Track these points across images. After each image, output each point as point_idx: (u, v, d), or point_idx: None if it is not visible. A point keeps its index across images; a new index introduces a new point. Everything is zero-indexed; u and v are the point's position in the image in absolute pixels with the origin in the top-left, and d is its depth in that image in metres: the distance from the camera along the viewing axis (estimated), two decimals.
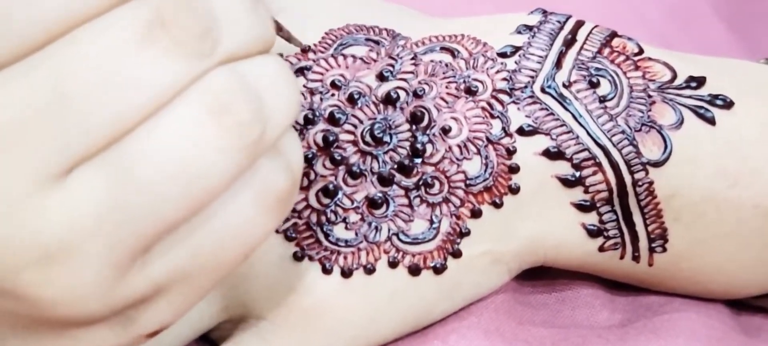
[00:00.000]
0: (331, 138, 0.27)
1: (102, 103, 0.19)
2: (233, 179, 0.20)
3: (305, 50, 0.29)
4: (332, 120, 0.28)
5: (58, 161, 0.19)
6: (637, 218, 0.28)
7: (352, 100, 0.28)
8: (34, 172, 0.19)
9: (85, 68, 0.19)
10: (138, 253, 0.20)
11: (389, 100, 0.28)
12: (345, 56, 0.29)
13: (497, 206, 0.28)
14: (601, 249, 0.29)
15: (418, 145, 0.27)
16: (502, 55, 0.29)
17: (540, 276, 0.31)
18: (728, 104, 0.29)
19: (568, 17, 0.30)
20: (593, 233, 0.28)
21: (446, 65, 0.29)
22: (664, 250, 0.29)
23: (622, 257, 0.29)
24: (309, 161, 0.27)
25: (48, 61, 0.19)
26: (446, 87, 0.28)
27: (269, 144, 0.21)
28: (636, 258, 0.29)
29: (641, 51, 0.29)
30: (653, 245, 0.29)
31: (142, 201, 0.19)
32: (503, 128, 0.28)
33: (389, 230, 0.27)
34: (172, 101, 0.19)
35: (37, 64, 0.19)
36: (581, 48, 0.29)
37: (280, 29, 0.27)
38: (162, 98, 0.19)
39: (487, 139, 0.28)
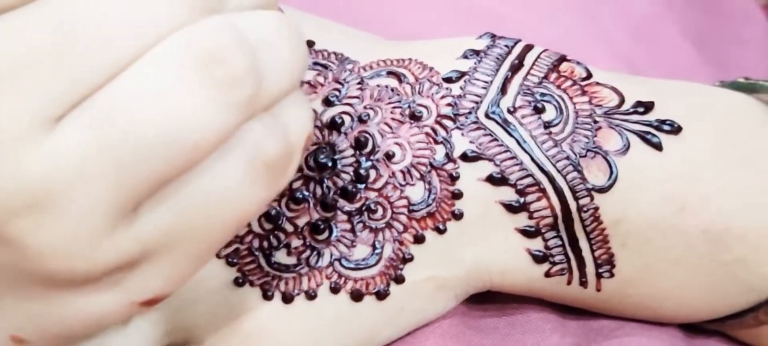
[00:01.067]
0: None
1: (100, 48, 0.19)
2: (221, 138, 0.19)
3: None
4: None
5: (53, 106, 0.19)
6: (584, 244, 0.28)
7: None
8: (28, 115, 0.19)
9: (87, 12, 0.19)
10: (124, 207, 0.20)
11: (334, 126, 0.28)
12: None
13: (440, 231, 0.28)
14: (548, 275, 0.29)
15: (362, 171, 0.27)
16: (448, 80, 0.29)
17: (491, 300, 0.31)
18: (676, 130, 0.29)
19: (517, 42, 0.30)
20: (539, 258, 0.28)
21: (392, 90, 0.29)
22: (612, 275, 0.29)
23: (569, 283, 0.29)
24: None
25: (51, 5, 0.19)
26: (391, 112, 0.28)
27: (264, 105, 0.20)
28: (583, 283, 0.29)
29: (589, 75, 0.29)
30: (600, 270, 0.29)
31: (126, 151, 0.19)
32: (446, 154, 0.28)
33: (331, 256, 0.27)
34: (159, 48, 0.19)
35: (40, 9, 0.19)
36: (527, 73, 0.29)
37: None
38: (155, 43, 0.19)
39: (431, 164, 0.28)
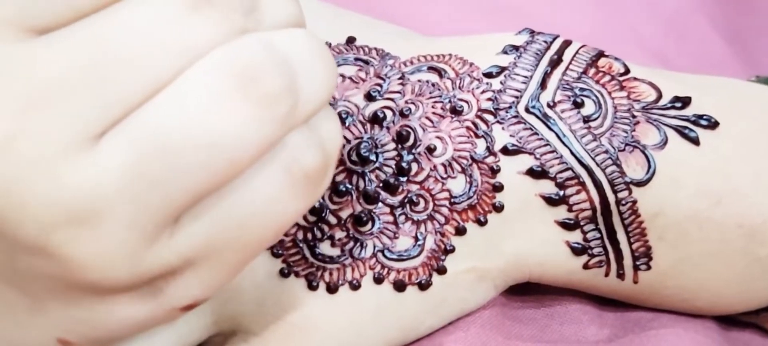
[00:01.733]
0: None
1: (142, 67, 0.19)
2: (260, 152, 0.20)
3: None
4: None
5: (95, 124, 0.19)
6: (622, 236, 0.29)
7: (340, 119, 0.28)
8: (72, 132, 0.19)
9: (130, 33, 0.19)
10: (164, 221, 0.20)
11: (376, 120, 0.28)
12: None
13: (481, 223, 0.28)
14: (586, 266, 0.29)
15: (404, 164, 0.28)
16: (488, 75, 0.29)
17: (529, 291, 0.31)
18: (713, 124, 0.29)
19: (555, 37, 0.30)
20: (577, 250, 0.29)
21: (433, 85, 0.29)
22: (649, 268, 0.29)
23: (606, 275, 0.29)
24: None
25: (95, 25, 0.19)
26: (432, 107, 0.29)
27: (301, 119, 0.20)
28: (621, 276, 0.29)
29: (627, 71, 0.30)
30: (638, 262, 0.29)
31: (166, 168, 0.19)
32: (487, 147, 0.28)
33: (374, 247, 0.28)
34: (199, 67, 0.19)
35: (82, 28, 0.19)
36: (566, 68, 0.29)
37: None
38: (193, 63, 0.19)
39: (472, 158, 0.28)
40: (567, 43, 0.30)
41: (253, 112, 0.19)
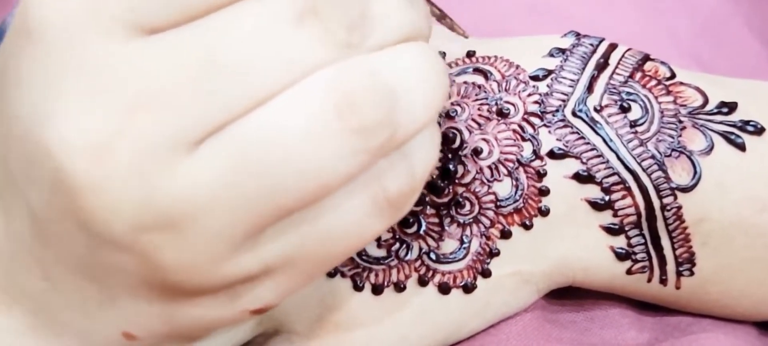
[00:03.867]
0: None
1: (247, 78, 0.19)
2: (350, 178, 0.20)
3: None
4: None
5: (195, 130, 0.19)
6: (665, 242, 0.29)
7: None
8: (172, 137, 0.19)
9: (237, 42, 0.19)
10: (251, 232, 0.20)
11: None
12: None
13: (527, 227, 0.28)
14: (629, 272, 0.29)
15: (450, 166, 0.28)
16: (535, 78, 0.29)
17: (569, 295, 0.31)
18: (759, 130, 0.29)
19: (601, 40, 0.30)
20: (621, 255, 0.29)
21: (479, 87, 0.29)
22: (692, 273, 0.29)
23: (649, 280, 0.29)
24: None
25: (203, 30, 0.19)
26: (478, 109, 0.29)
27: (396, 146, 0.21)
28: (663, 281, 0.29)
29: (673, 75, 0.30)
30: (681, 268, 0.29)
31: (260, 183, 0.19)
32: (534, 151, 0.28)
33: (420, 249, 0.28)
34: (302, 88, 0.19)
35: (193, 32, 0.19)
36: (613, 72, 0.29)
37: (443, 17, 0.27)
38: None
39: (518, 161, 0.28)
40: (613, 47, 0.30)
41: (349, 141, 0.20)
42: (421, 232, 0.28)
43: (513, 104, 0.29)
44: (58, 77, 0.19)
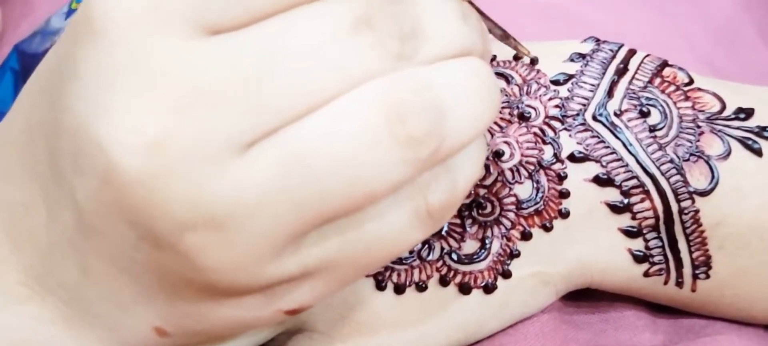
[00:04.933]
0: None
1: (302, 84, 0.19)
2: (395, 188, 0.21)
3: (534, 62, 0.30)
4: None
5: (247, 133, 0.19)
6: (682, 245, 0.29)
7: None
8: (224, 138, 0.19)
9: (294, 49, 0.19)
10: (295, 236, 0.21)
11: None
12: None
13: (547, 229, 0.28)
14: (646, 274, 0.29)
15: None
16: (555, 82, 0.29)
17: (584, 296, 0.32)
18: None
19: (621, 46, 0.30)
20: (639, 258, 0.29)
21: (500, 91, 0.29)
22: (708, 277, 0.30)
23: (666, 283, 0.30)
24: None
25: (261, 34, 0.20)
26: (500, 112, 0.29)
27: (442, 159, 0.21)
28: (679, 284, 0.30)
29: (691, 81, 0.30)
30: (697, 271, 0.29)
31: (307, 188, 0.20)
32: (555, 154, 0.29)
33: (442, 249, 0.28)
34: (354, 97, 0.20)
35: (251, 35, 0.20)
36: (633, 77, 0.30)
37: (506, 37, 0.28)
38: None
39: (539, 164, 0.28)
40: (632, 52, 0.30)
41: (397, 152, 0.20)
42: (443, 232, 0.28)
43: (534, 108, 0.29)
44: (117, 73, 0.19)
